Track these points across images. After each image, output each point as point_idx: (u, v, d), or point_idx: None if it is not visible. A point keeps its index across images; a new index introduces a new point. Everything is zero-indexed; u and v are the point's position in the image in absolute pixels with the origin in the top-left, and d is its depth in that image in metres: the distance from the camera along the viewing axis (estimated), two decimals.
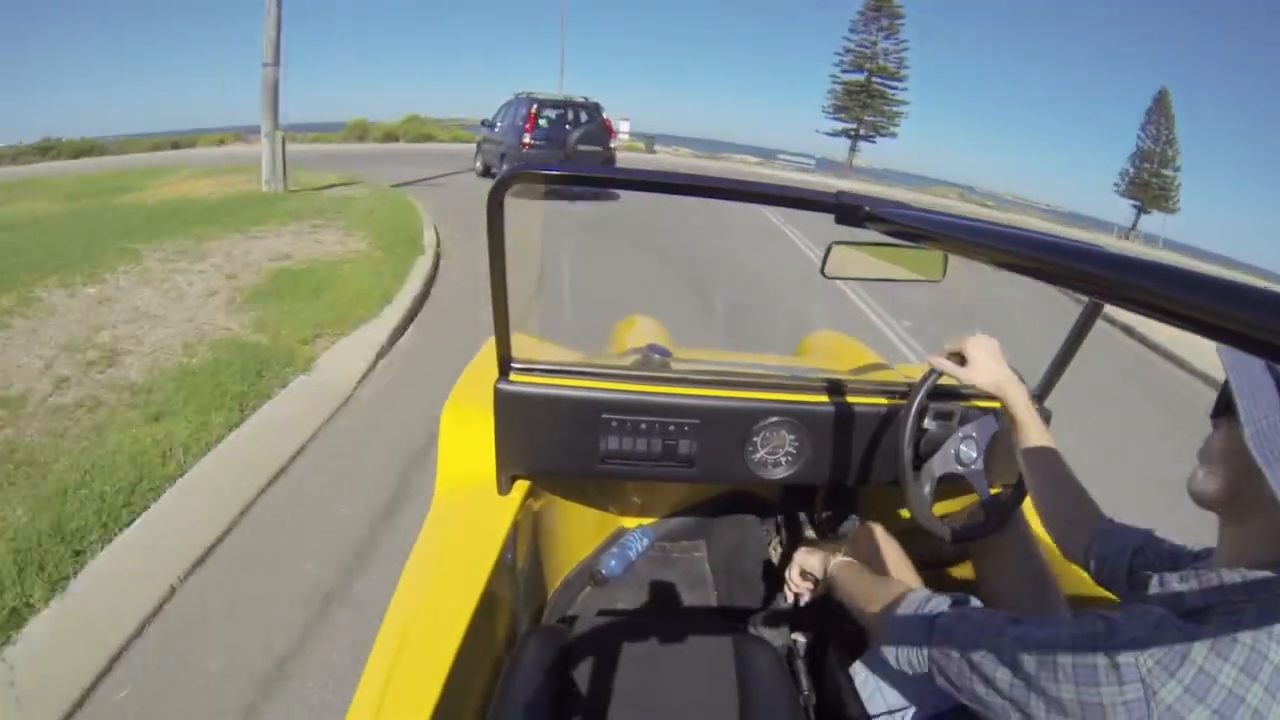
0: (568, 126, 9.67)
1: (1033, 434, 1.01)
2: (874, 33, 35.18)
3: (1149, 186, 34.79)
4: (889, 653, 0.83)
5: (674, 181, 0.79)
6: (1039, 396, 1.28)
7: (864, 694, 1.00)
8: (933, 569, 1.30)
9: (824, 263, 1.19)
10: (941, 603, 0.84)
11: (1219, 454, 0.67)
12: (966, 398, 1.25)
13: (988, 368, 1.04)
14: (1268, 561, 0.62)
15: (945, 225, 0.49)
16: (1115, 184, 36.32)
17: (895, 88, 36.03)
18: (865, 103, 36.05)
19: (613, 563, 1.63)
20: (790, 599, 1.21)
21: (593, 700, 0.97)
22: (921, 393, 1.13)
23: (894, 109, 36.30)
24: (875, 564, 1.11)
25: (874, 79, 35.63)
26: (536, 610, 1.42)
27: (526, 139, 9.18)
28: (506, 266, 0.94)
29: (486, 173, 10.80)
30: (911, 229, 0.55)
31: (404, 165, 12.27)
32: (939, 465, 1.17)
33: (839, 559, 1.10)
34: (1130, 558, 0.86)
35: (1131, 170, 35.82)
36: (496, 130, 10.52)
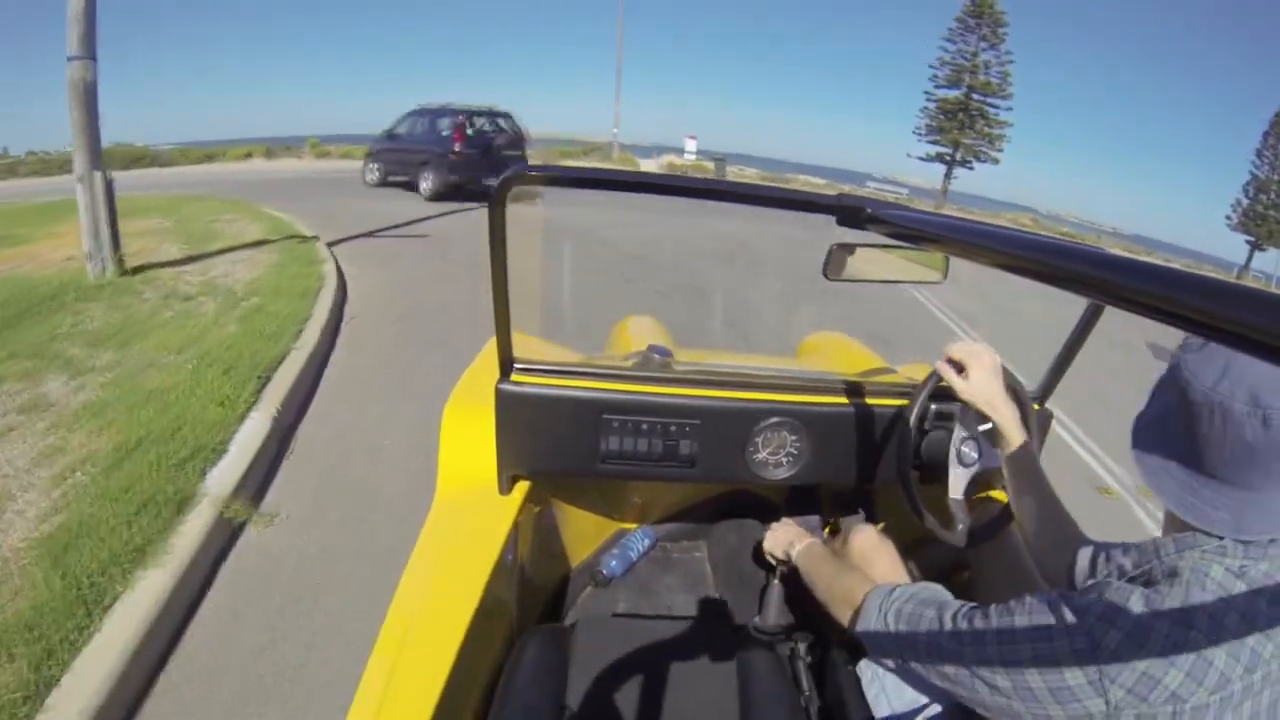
0: (490, 133, 10.42)
1: (1020, 456, 1.01)
2: (974, 42, 29.50)
3: (1266, 220, 29.74)
4: (866, 640, 0.86)
5: (672, 183, 0.80)
6: (1040, 399, 1.28)
7: (869, 694, 1.00)
8: (931, 571, 1.30)
9: (825, 265, 1.19)
10: (901, 595, 0.85)
11: None
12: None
13: (983, 383, 1.03)
14: (1181, 523, 0.67)
15: (945, 226, 0.49)
16: (1228, 217, 31.12)
17: (998, 106, 29.94)
18: (964, 123, 30.34)
19: (613, 563, 1.63)
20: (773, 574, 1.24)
21: (593, 701, 0.97)
22: (923, 394, 1.13)
23: (996, 131, 30.30)
24: (867, 566, 1.11)
25: (973, 95, 29.99)
26: (536, 610, 1.42)
27: (457, 147, 9.75)
28: (507, 267, 0.95)
29: (383, 182, 11.39)
30: (912, 230, 0.55)
31: (333, 192, 10.16)
32: (940, 465, 1.17)
33: (806, 544, 1.13)
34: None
35: (1246, 201, 30.54)
36: (405, 140, 11.01)
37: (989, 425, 1.19)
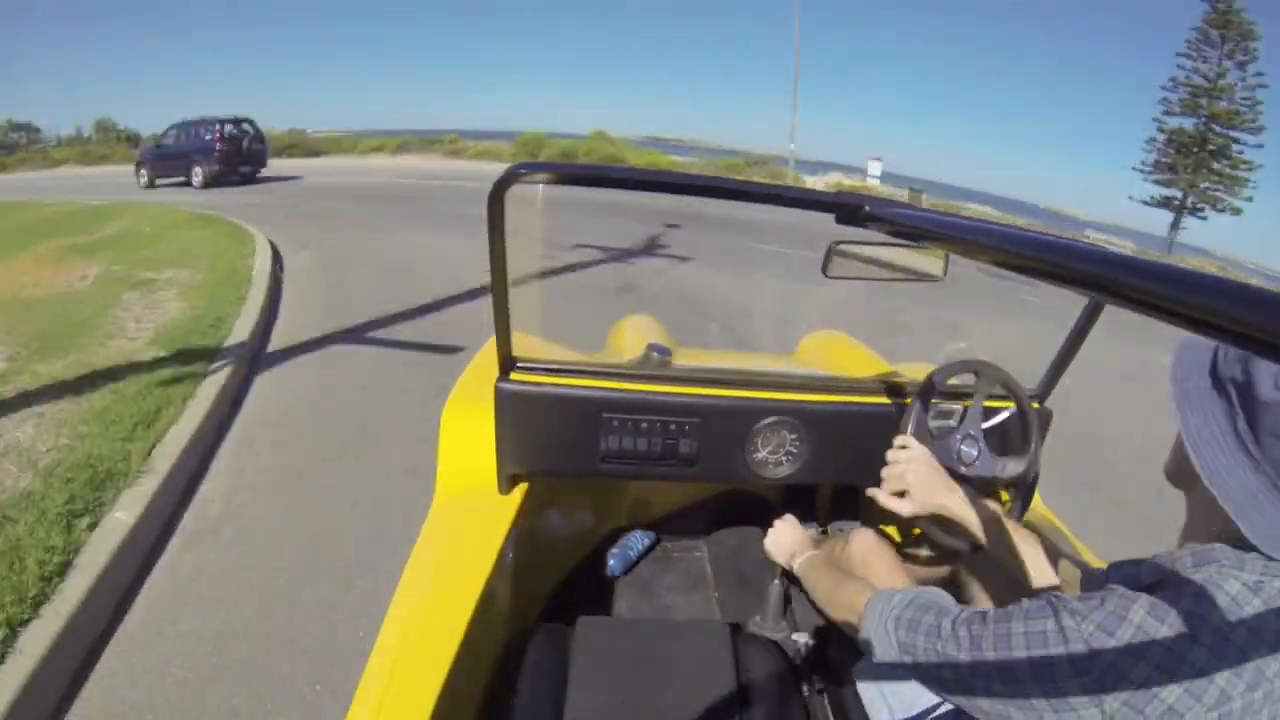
0: (239, 135, 13.56)
1: (993, 544, 1.01)
2: (1216, 60, 22.19)
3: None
4: (867, 648, 0.85)
5: (671, 181, 0.79)
6: (1039, 398, 1.28)
7: (868, 694, 1.01)
8: (930, 571, 1.30)
9: (825, 263, 1.19)
10: (901, 600, 0.85)
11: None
12: (969, 398, 1.25)
13: (924, 494, 1.04)
14: (1211, 533, 0.64)
15: (944, 225, 0.49)
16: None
17: (1243, 141, 22.34)
18: (1199, 161, 22.88)
19: (613, 562, 1.63)
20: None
21: (593, 700, 0.97)
22: (924, 393, 1.12)
23: (1239, 173, 22.60)
24: (866, 569, 1.11)
25: (1213, 127, 22.56)
26: (536, 610, 1.42)
27: (219, 146, 13.07)
28: (507, 266, 0.94)
29: (151, 184, 13.97)
30: (911, 229, 0.55)
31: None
32: (940, 464, 1.17)
33: (806, 555, 1.12)
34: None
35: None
36: (173, 146, 13.90)
37: (990, 425, 1.19)
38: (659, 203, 9.81)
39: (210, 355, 3.54)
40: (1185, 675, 0.58)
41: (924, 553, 1.32)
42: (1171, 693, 0.58)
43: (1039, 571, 0.97)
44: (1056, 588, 0.95)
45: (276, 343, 4.16)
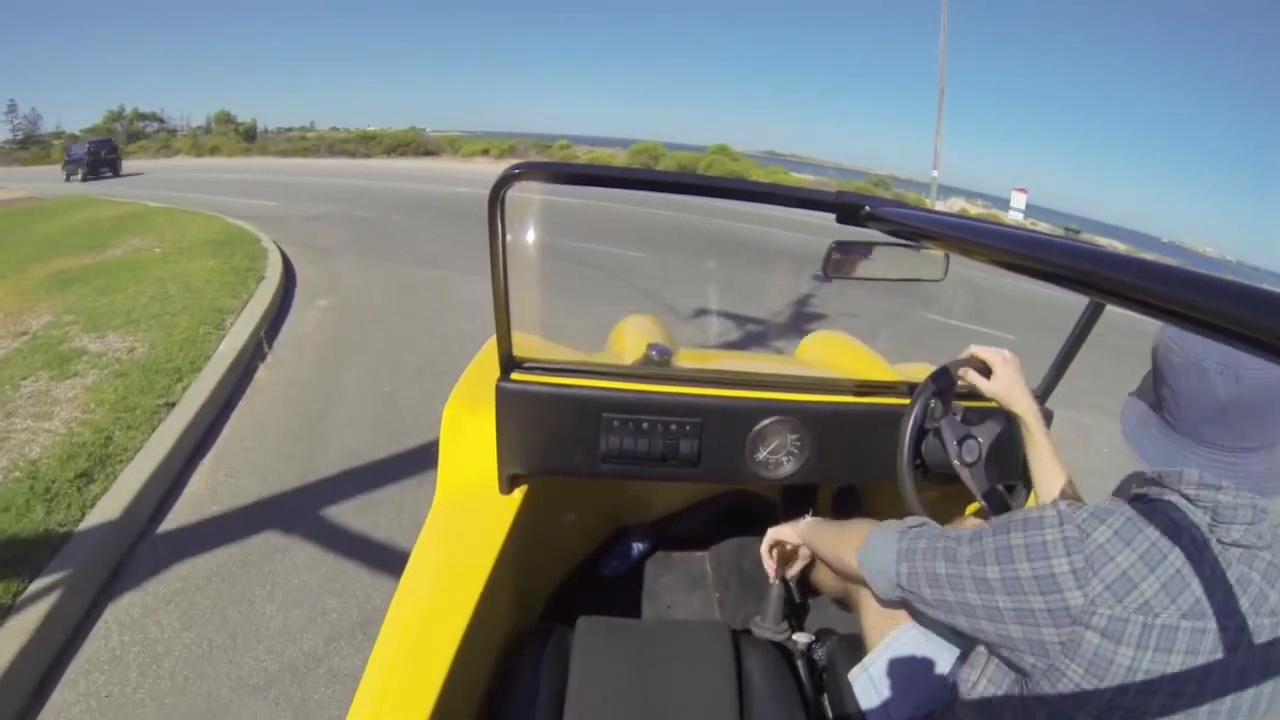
0: (100, 148, 23.05)
1: (1044, 452, 1.04)
2: None
3: None
4: (870, 583, 0.88)
5: (670, 180, 0.80)
6: (1041, 397, 1.28)
7: (868, 695, 1.01)
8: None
9: (825, 263, 1.19)
10: (903, 522, 0.90)
11: None
12: (969, 398, 1.25)
13: (1009, 384, 1.07)
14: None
15: (945, 225, 0.49)
16: None
17: None
18: None
19: (614, 562, 1.63)
20: (772, 579, 1.24)
21: (593, 701, 0.97)
22: (925, 393, 1.12)
23: None
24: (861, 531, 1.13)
25: None
26: (537, 610, 1.42)
27: (88, 157, 22.01)
28: (508, 266, 0.94)
29: (68, 179, 21.81)
30: (912, 228, 0.55)
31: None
32: (940, 464, 1.17)
33: (807, 519, 1.14)
34: None
35: None
36: (73, 155, 22.99)
37: (993, 423, 1.19)
38: (684, 220, 9.12)
39: (33, 560, 1.95)
40: (1164, 572, 0.63)
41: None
42: (1150, 586, 0.62)
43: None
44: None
45: (179, 518, 2.39)
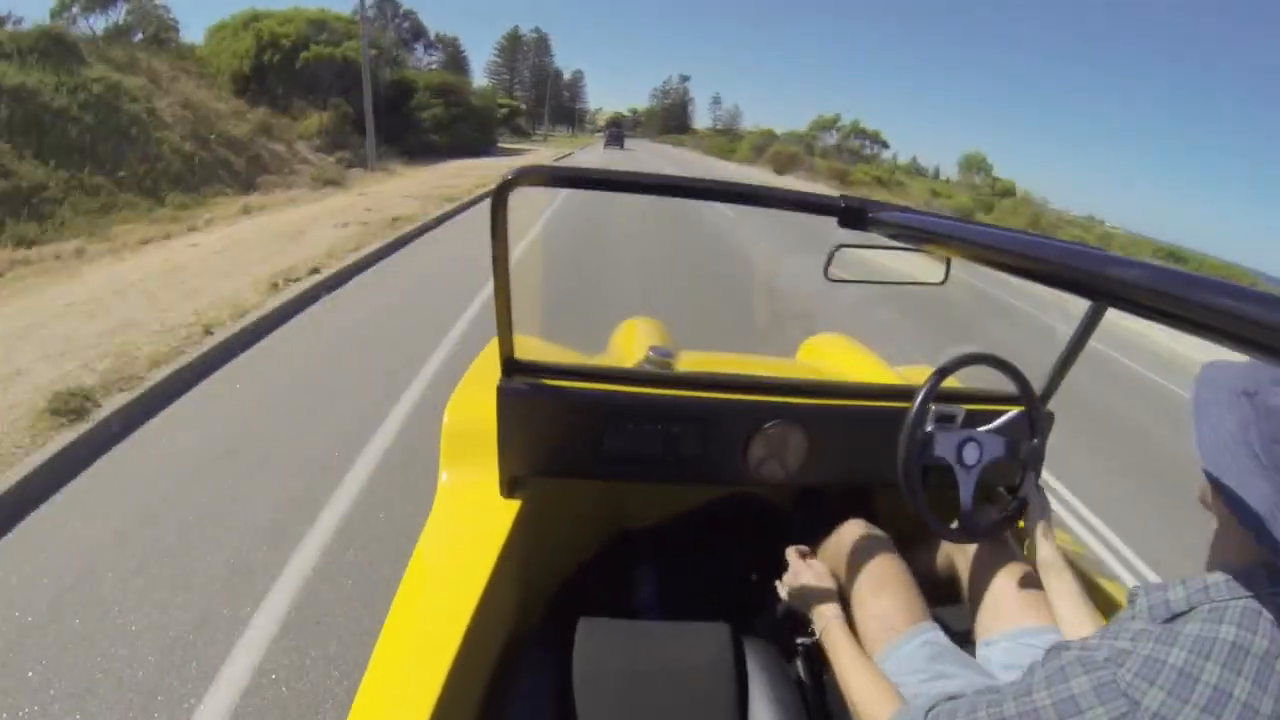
0: None
1: (1067, 598, 1.01)
2: None
3: None
4: None
5: (671, 183, 0.80)
6: (1043, 398, 1.28)
7: None
8: (929, 572, 1.30)
9: (827, 266, 1.19)
10: (919, 711, 0.81)
11: None
12: (971, 400, 1.25)
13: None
14: (1243, 561, 0.62)
15: (947, 228, 0.49)
16: None
17: None
18: None
19: (644, 591, 1.62)
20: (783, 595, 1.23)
21: (594, 701, 0.97)
22: (925, 394, 1.12)
23: None
24: (870, 576, 1.11)
25: None
26: (537, 611, 1.42)
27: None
28: (509, 266, 0.95)
29: None
30: (914, 231, 0.55)
31: None
32: (941, 466, 1.17)
33: (829, 625, 1.06)
34: None
35: None
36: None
37: (995, 424, 1.19)
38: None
39: None
40: (1232, 711, 0.55)
41: (924, 548, 1.32)
42: None
43: (1062, 607, 0.98)
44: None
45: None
